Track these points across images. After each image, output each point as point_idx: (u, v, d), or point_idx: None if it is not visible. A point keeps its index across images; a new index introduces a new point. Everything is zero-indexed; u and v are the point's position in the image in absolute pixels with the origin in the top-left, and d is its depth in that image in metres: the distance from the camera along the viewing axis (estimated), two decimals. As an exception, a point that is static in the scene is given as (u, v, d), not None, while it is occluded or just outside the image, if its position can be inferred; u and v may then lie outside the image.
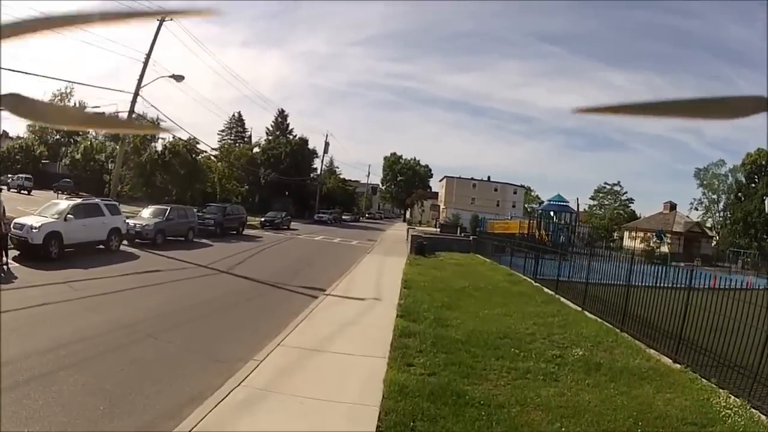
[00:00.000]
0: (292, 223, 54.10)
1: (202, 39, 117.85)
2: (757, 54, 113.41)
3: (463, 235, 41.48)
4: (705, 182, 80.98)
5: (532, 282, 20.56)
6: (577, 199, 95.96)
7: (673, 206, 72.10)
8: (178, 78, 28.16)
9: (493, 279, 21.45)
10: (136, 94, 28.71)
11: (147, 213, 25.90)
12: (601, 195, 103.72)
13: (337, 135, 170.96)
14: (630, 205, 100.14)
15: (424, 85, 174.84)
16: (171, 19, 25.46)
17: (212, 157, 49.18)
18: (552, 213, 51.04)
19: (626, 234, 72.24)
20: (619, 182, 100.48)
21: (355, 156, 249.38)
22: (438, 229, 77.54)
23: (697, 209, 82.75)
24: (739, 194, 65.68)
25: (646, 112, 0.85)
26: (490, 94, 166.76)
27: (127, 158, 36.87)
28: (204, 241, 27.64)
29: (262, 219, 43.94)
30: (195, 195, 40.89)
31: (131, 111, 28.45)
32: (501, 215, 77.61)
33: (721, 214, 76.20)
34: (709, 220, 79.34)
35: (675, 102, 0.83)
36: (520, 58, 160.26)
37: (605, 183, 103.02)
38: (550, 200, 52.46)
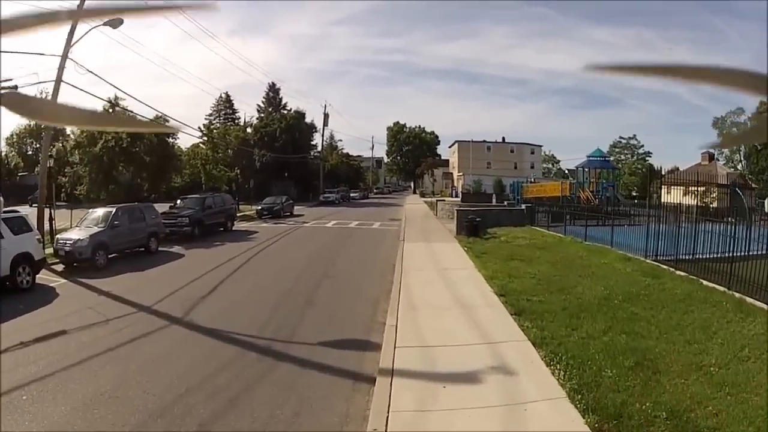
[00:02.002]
0: (296, 207, 46.15)
1: (188, 31, 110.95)
2: (747, 5, 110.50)
3: (507, 203, 33.31)
4: (724, 131, 75.90)
5: (656, 264, 14.86)
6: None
7: (711, 157, 64.54)
8: (114, 23, 19.96)
9: (613, 270, 14.06)
10: (65, 57, 20.77)
11: (87, 221, 18.05)
12: (617, 150, 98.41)
13: (334, 114, 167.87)
14: (648, 158, 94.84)
15: (414, 58, 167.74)
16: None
17: (201, 145, 40.93)
18: (591, 170, 43.37)
19: (664, 189, 64.83)
20: (635, 135, 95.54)
21: (353, 133, 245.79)
22: (458, 198, 70.37)
23: (718, 160, 78.47)
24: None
25: (658, 73, 0.82)
26: (480, 59, 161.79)
27: (81, 150, 28.73)
28: (174, 249, 19.79)
29: (259, 207, 35.95)
30: (171, 187, 32.86)
31: (58, 78, 20.66)
32: (520, 177, 69.93)
33: (744, 163, 73.15)
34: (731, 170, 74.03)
35: (688, 66, 0.81)
36: (507, 22, 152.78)
37: (621, 137, 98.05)
38: (589, 156, 44.40)
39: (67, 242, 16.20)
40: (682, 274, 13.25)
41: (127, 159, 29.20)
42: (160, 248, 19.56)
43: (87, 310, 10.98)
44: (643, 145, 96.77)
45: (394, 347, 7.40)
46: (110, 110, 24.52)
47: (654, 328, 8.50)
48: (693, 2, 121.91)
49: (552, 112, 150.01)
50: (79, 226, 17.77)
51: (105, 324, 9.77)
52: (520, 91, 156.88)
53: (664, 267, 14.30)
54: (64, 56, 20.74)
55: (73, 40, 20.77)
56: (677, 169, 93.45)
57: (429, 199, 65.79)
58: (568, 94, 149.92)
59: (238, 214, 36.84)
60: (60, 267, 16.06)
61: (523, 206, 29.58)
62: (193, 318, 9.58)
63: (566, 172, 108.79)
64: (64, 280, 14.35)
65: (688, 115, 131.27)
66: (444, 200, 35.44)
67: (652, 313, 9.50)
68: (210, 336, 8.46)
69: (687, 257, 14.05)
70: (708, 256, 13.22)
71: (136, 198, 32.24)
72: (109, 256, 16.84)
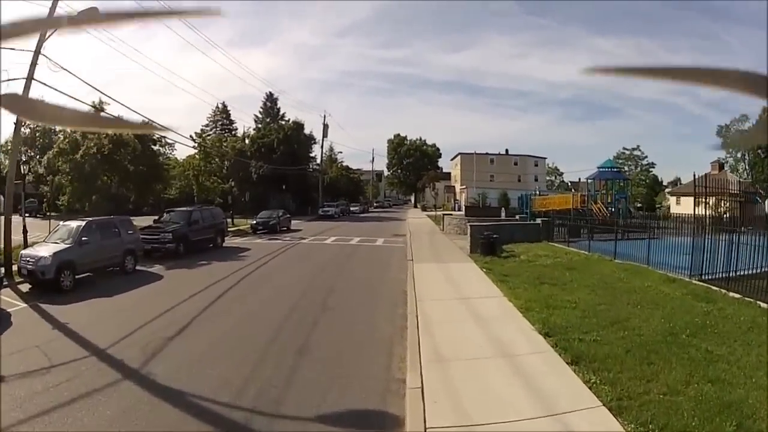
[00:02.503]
0: (293, 221, 43.99)
1: (187, 42, 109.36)
2: (745, 9, 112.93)
3: (518, 217, 31.10)
4: (728, 140, 72.44)
5: (705, 285, 13.12)
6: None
7: (721, 166, 62.88)
8: (91, 17, 17.86)
9: (661, 294, 12.15)
10: (37, 52, 18.78)
11: (55, 236, 15.91)
12: (621, 161, 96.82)
13: (334, 126, 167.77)
14: (651, 169, 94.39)
15: (417, 69, 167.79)
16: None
17: (196, 156, 38.69)
18: (601, 182, 41.42)
19: (673, 200, 63.16)
20: (638, 146, 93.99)
21: (353, 146, 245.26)
22: (461, 212, 68.23)
23: (723, 168, 76.79)
24: (758, 150, 59.01)
25: (656, 75, 0.85)
26: (484, 71, 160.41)
27: (63, 158, 26.60)
28: (154, 268, 17.59)
29: (254, 221, 33.74)
30: (164, 199, 30.68)
31: (29, 76, 18.64)
32: (524, 190, 67.93)
33: (749, 172, 71.07)
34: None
35: (687, 67, 0.82)
36: (510, 33, 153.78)
37: (624, 148, 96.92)
38: (600, 167, 42.50)
39: (30, 260, 14.09)
40: (736, 295, 11.58)
41: (110, 168, 26.99)
42: (138, 267, 17.35)
43: (33, 349, 8.87)
44: (646, 156, 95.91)
45: (425, 428, 5.17)
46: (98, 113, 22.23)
47: (737, 370, 6.85)
48: (693, 10, 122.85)
49: (554, 123, 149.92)
50: (47, 242, 15.61)
51: (43, 374, 7.58)
52: (522, 102, 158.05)
53: (714, 288, 12.35)
54: (37, 52, 18.78)
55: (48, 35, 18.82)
56: (679, 180, 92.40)
57: (432, 213, 63.81)
58: (569, 105, 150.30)
59: (231, 229, 34.73)
60: (29, 286, 14.20)
61: (539, 220, 27.34)
62: (151, 370, 7.32)
63: (569, 184, 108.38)
64: (24, 305, 12.32)
65: (687, 124, 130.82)
66: (451, 214, 33.28)
67: (728, 350, 7.74)
68: (168, 401, 6.20)
69: (727, 274, 12.96)
70: (752, 272, 12.09)
71: (122, 210, 30.10)
72: (78, 276, 14.63)
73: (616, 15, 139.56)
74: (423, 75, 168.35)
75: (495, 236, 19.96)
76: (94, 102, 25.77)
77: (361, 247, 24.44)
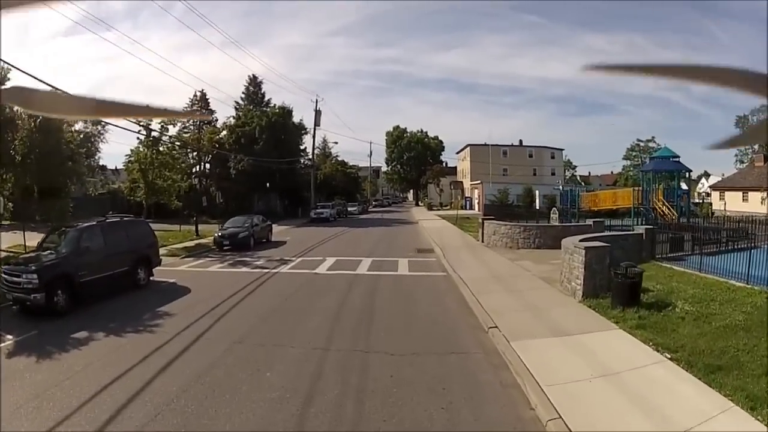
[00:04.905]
0: (280, 227, 34.53)
1: (180, 45, 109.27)
2: (737, 5, 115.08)
3: (592, 222, 21.74)
4: (731, 140, 67.83)
5: None
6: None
7: (766, 158, 53.94)
8: None
9: None
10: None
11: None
12: (634, 153, 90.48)
13: (328, 126, 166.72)
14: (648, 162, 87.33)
15: (411, 68, 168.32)
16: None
17: (142, 146, 28.93)
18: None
19: (715, 196, 54.65)
20: (653, 137, 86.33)
21: (350, 143, 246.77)
22: (474, 211, 59.04)
23: (743, 162, 71.23)
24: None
25: (655, 73, 0.84)
26: (476, 69, 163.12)
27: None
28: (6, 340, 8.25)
29: (218, 234, 24.21)
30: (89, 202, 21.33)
31: None
32: (540, 184, 59.07)
33: None
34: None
35: (686, 66, 0.83)
36: (502, 31, 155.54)
37: (638, 140, 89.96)
38: (657, 156, 33.34)
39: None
40: None
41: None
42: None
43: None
44: (661, 148, 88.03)
45: None
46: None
47: None
48: (684, 6, 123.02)
49: (548, 120, 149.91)
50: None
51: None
52: (516, 99, 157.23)
53: None
54: None
55: None
56: (706, 174, 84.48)
57: (443, 213, 54.41)
58: (563, 101, 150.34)
59: (188, 244, 25.25)
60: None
61: (642, 229, 18.15)
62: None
63: (578, 178, 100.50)
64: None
65: (681, 119, 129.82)
66: (492, 219, 23.85)
67: None
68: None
69: None
70: None
71: (22, 219, 20.58)
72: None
73: (608, 12, 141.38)
74: (417, 74, 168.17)
75: (637, 270, 10.68)
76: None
77: (376, 281, 14.61)
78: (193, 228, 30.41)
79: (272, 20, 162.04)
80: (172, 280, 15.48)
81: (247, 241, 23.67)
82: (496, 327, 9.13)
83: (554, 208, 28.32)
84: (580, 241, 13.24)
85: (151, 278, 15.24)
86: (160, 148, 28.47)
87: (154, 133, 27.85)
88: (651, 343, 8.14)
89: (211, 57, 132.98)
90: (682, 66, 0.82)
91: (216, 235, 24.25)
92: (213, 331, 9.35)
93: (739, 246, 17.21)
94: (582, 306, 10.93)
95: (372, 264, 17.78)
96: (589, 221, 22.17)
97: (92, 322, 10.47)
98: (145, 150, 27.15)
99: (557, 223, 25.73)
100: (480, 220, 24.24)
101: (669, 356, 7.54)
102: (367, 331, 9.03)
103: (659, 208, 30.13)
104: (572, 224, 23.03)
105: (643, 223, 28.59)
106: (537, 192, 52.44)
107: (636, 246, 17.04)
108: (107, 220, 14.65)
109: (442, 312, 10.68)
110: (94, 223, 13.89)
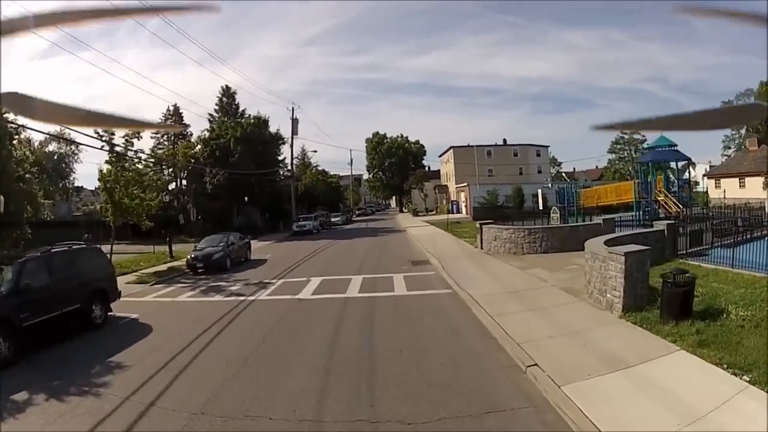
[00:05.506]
0: (261, 242, 32.35)
1: (155, 62, 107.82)
2: None
3: (602, 220, 19.85)
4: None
5: None
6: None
7: (759, 141, 53.20)
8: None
9: None
10: None
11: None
12: (619, 146, 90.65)
13: (308, 135, 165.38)
14: (645, 153, 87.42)
15: (387, 74, 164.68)
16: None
17: (108, 161, 26.60)
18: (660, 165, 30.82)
19: (711, 183, 53.52)
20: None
21: (329, 155, 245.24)
22: (462, 214, 57.36)
23: (729, 147, 71.93)
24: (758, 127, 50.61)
25: (660, 126, 0.92)
26: (453, 71, 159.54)
27: None
28: None
29: (191, 256, 21.92)
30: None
31: None
32: (528, 183, 57.52)
33: None
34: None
35: (684, 115, 0.93)
36: (477, 32, 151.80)
37: (623, 132, 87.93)
38: (655, 147, 31.68)
39: None
40: None
41: None
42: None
43: None
44: (645, 139, 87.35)
45: None
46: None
47: None
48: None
49: (527, 118, 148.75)
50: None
51: None
52: (494, 100, 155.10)
53: None
54: None
55: None
56: (690, 163, 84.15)
57: (430, 218, 52.31)
58: (540, 99, 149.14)
59: (160, 268, 22.97)
60: None
61: (663, 225, 16.33)
62: None
63: (563, 175, 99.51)
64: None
65: (658, 109, 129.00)
66: (491, 224, 21.83)
67: None
68: None
69: None
70: None
71: None
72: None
73: (584, 7, 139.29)
74: (394, 79, 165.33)
75: (689, 275, 8.80)
76: None
77: (373, 307, 12.35)
78: (168, 249, 28.10)
79: (244, 33, 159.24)
80: (134, 316, 13.18)
81: (222, 262, 21.38)
82: (536, 364, 7.10)
83: (554, 208, 26.48)
84: (606, 242, 11.35)
85: (109, 314, 12.97)
86: (126, 165, 26.07)
87: (117, 149, 25.50)
88: (724, 365, 6.66)
89: (187, 73, 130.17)
90: (692, 114, 0.84)
91: (189, 257, 21.96)
92: (170, 394, 7.14)
93: (756, 235, 16.33)
94: (626, 323, 9.00)
95: (364, 283, 15.62)
96: (598, 219, 20.29)
97: (36, 377, 8.32)
98: (110, 167, 24.71)
99: (558, 223, 23.89)
100: (478, 225, 22.25)
101: (747, 379, 6.16)
102: (371, 384, 6.85)
103: (662, 200, 28.47)
104: (580, 224, 21.17)
105: (646, 217, 27.05)
106: (539, 191, 50.74)
107: (658, 243, 15.26)
108: (52, 251, 12.34)
109: (461, 345, 8.55)
110: (38, 254, 11.56)
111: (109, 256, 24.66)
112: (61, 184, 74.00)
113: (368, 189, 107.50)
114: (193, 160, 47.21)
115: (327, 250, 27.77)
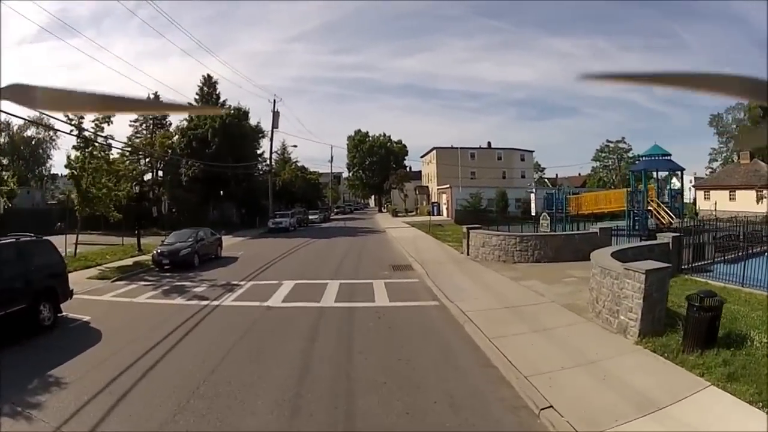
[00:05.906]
0: (236, 238, 30.80)
1: (140, 53, 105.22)
2: (703, 6, 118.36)
3: (614, 229, 18.73)
4: (721, 129, 71.76)
5: None
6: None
7: (752, 155, 53.25)
8: None
9: None
10: None
11: None
12: (603, 155, 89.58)
13: (290, 131, 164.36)
14: (637, 162, 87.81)
15: (373, 74, 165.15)
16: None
17: (73, 149, 24.73)
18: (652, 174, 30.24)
19: (700, 194, 53.39)
20: (623, 138, 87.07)
21: (310, 152, 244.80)
22: (443, 216, 56.26)
23: (716, 160, 73.10)
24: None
25: (650, 81, 0.84)
26: (438, 74, 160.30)
27: None
28: None
29: (157, 251, 20.29)
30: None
31: None
32: (511, 187, 56.81)
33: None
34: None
35: (678, 73, 0.82)
36: (463, 36, 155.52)
37: (608, 141, 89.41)
38: (646, 156, 30.93)
39: None
40: None
41: None
42: None
43: None
44: (631, 148, 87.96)
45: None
46: None
47: None
48: (646, 5, 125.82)
49: (510, 123, 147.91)
50: None
51: None
52: (478, 104, 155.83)
53: None
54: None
55: None
56: (678, 172, 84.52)
57: (410, 220, 51.01)
58: (524, 105, 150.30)
59: (126, 262, 21.32)
60: None
61: (669, 237, 15.28)
62: None
63: (546, 181, 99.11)
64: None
65: (645, 120, 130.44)
66: (479, 229, 20.61)
67: None
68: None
69: None
70: None
71: None
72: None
73: (570, 14, 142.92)
74: (378, 80, 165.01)
75: (717, 299, 7.66)
76: None
77: (351, 320, 10.91)
78: (137, 242, 26.44)
79: (232, 27, 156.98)
80: (86, 318, 11.64)
81: (189, 259, 19.81)
82: (551, 406, 5.84)
83: (545, 214, 25.39)
84: (613, 255, 10.17)
85: (59, 315, 11.45)
86: (94, 152, 24.25)
87: (86, 133, 23.72)
88: (759, 404, 5.75)
89: (174, 64, 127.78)
90: (683, 74, 0.77)
91: (155, 252, 20.34)
92: (104, 428, 5.74)
93: (756, 250, 15.32)
94: (644, 351, 7.84)
95: (341, 290, 14.24)
96: (594, 228, 19.23)
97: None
98: (77, 153, 22.97)
99: (549, 231, 22.81)
100: (464, 230, 21.01)
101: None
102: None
103: (654, 209, 27.65)
104: (576, 233, 19.97)
105: (636, 227, 26.17)
106: (532, 196, 49.71)
107: (663, 257, 14.13)
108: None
109: (458, 378, 7.20)
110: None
111: (74, 247, 23.27)
112: (36, 171, 71.25)
113: (348, 187, 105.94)
114: (170, 150, 45.39)
115: (303, 250, 26.30)
